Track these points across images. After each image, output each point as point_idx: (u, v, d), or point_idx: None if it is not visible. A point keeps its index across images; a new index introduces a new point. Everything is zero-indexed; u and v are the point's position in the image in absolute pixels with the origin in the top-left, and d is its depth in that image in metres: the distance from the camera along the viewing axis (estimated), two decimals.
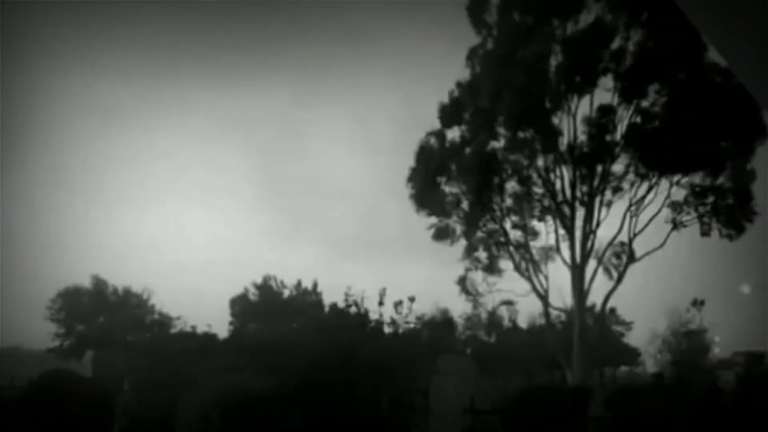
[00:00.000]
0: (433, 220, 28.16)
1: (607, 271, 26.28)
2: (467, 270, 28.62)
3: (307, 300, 41.63)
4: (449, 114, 26.88)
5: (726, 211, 24.77)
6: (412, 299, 12.00)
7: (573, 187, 25.86)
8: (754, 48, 2.65)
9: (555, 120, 25.47)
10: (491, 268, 28.23)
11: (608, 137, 24.90)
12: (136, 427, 12.97)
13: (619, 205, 25.89)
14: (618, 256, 26.16)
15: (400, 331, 11.97)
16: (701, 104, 23.09)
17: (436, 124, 27.65)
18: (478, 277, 28.86)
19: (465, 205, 27.59)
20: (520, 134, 25.78)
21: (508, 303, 32.97)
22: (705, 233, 25.20)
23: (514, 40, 24.83)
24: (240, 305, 43.19)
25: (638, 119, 24.81)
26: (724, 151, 24.25)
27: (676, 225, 25.26)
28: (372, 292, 11.61)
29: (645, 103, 24.74)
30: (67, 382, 12.48)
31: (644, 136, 24.39)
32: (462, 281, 28.87)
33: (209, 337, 16.97)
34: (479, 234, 28.14)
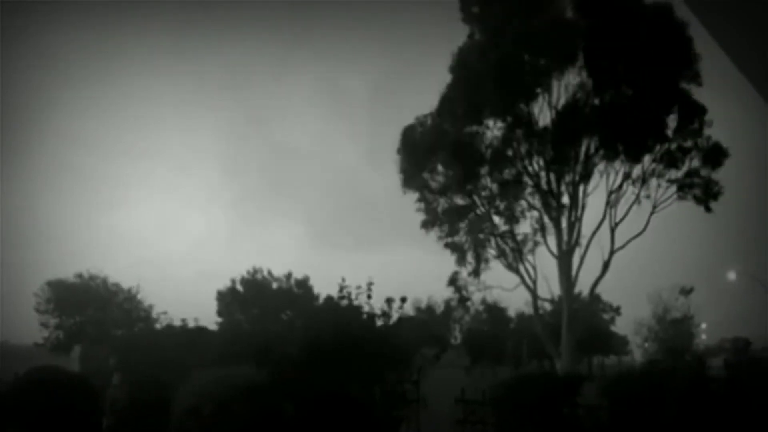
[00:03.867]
0: (421, 206, 28.12)
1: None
2: (456, 272, 28.52)
3: (297, 291, 41.51)
4: (447, 105, 26.76)
5: (699, 180, 25.06)
6: (403, 299, 12.02)
7: (558, 176, 25.94)
8: (757, 42, 2.59)
9: (534, 105, 25.65)
10: (478, 265, 28.16)
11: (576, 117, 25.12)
12: (126, 422, 12.86)
13: (603, 195, 26.12)
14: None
15: (392, 322, 11.93)
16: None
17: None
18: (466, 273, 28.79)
19: (450, 191, 27.59)
20: (501, 120, 25.95)
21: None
22: (682, 198, 25.53)
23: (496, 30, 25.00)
24: (228, 297, 42.91)
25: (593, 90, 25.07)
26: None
27: (655, 206, 25.49)
28: (358, 278, 11.59)
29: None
30: (55, 378, 12.31)
31: (602, 114, 24.77)
32: (453, 281, 28.79)
33: (199, 330, 16.88)
34: (464, 226, 28.10)
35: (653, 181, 25.51)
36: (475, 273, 27.96)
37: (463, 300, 29.39)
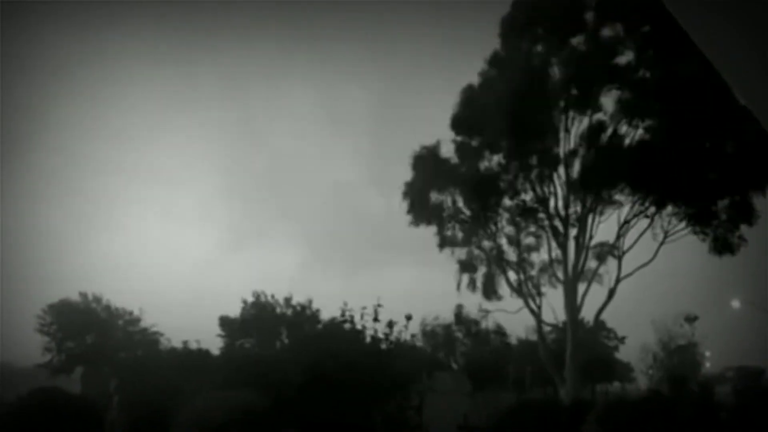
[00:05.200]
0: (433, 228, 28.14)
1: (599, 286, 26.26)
2: (459, 306, 28.42)
3: (301, 315, 41.32)
4: (462, 122, 26.38)
5: (723, 234, 24.64)
6: (408, 317, 11.91)
7: (567, 204, 25.89)
8: (755, 58, 2.57)
9: (552, 137, 25.46)
10: (488, 289, 28.07)
11: (604, 158, 24.83)
12: None
13: (612, 221, 25.96)
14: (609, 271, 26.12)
15: (394, 347, 11.88)
16: (705, 133, 22.99)
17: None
18: (472, 301, 28.77)
19: (463, 216, 27.59)
20: (520, 150, 25.75)
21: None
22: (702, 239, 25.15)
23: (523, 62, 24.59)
24: (231, 321, 42.76)
25: (634, 142, 24.63)
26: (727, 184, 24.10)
27: (666, 235, 25.20)
28: (359, 297, 11.57)
29: (643, 126, 24.62)
30: (56, 400, 12.31)
31: (642, 169, 24.25)
32: (458, 315, 28.69)
33: (201, 353, 16.85)
34: (475, 251, 28.11)
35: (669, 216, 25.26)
36: (487, 293, 27.92)
37: (469, 333, 29.23)
